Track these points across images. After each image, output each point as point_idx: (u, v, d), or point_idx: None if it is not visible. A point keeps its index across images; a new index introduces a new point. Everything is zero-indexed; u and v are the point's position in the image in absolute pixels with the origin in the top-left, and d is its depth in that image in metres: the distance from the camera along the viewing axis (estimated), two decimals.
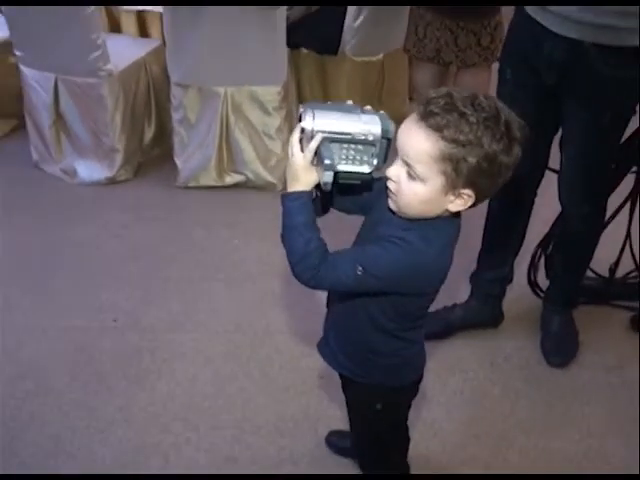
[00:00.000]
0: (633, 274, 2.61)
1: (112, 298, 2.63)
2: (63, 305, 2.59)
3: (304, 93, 3.52)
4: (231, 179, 3.27)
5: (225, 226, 3.03)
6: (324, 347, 1.52)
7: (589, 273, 2.52)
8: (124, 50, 3.31)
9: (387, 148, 1.21)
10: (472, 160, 1.13)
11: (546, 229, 2.52)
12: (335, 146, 1.20)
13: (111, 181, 3.29)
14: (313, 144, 1.19)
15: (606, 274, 2.59)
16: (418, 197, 1.18)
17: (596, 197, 2.17)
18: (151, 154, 3.48)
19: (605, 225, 2.33)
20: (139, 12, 3.52)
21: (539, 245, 2.55)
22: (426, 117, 1.13)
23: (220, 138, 3.17)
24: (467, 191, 1.18)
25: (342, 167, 1.21)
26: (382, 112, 1.24)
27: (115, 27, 3.59)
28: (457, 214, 1.25)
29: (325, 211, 1.32)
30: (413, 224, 1.23)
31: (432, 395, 2.25)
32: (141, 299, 2.62)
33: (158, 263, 2.82)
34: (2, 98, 3.56)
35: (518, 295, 2.62)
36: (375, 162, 1.22)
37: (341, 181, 1.21)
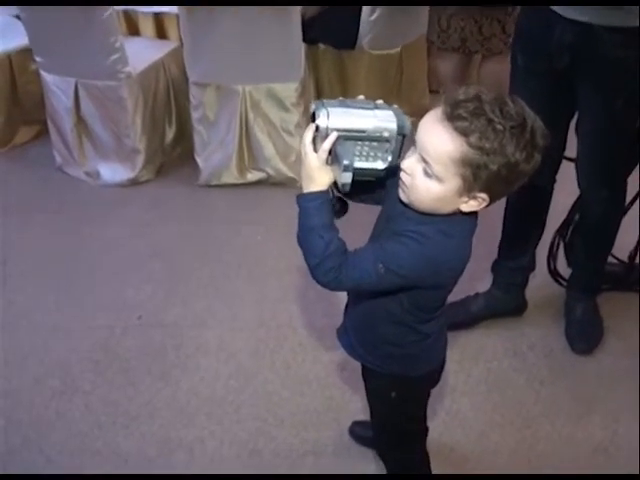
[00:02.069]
0: None
1: (136, 296, 2.65)
2: (88, 304, 2.62)
3: (322, 89, 3.52)
4: (252, 176, 3.28)
5: (247, 223, 3.04)
6: (343, 335, 1.52)
7: (611, 259, 2.50)
8: (142, 52, 3.34)
9: (402, 144, 1.19)
10: (493, 167, 1.11)
11: (563, 215, 2.50)
12: (349, 144, 1.18)
13: (133, 182, 3.32)
14: (327, 143, 1.17)
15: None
16: (431, 195, 1.17)
17: (614, 180, 2.15)
18: (172, 154, 3.49)
19: (626, 210, 2.32)
20: (156, 15, 3.56)
21: (557, 232, 2.53)
22: (453, 119, 1.10)
23: (240, 136, 3.18)
24: (482, 195, 1.17)
25: (356, 164, 1.18)
26: (395, 106, 1.22)
27: (133, 30, 3.62)
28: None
29: (344, 211, 1.29)
30: (428, 218, 1.21)
31: (456, 385, 2.24)
32: (165, 297, 2.64)
33: (181, 261, 2.84)
34: (26, 105, 3.60)
35: (541, 283, 2.60)
36: (390, 158, 1.20)
37: (355, 178, 1.18)
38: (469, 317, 2.45)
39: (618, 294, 2.56)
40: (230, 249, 2.89)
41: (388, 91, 3.57)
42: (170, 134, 3.46)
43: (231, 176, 3.27)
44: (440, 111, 1.12)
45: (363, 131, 1.17)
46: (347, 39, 3.41)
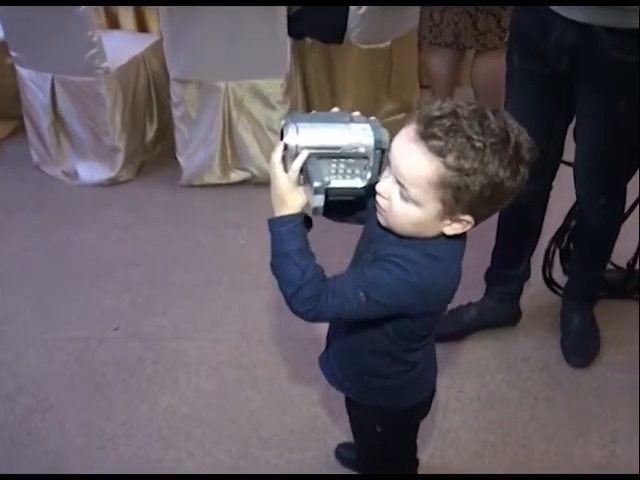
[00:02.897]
0: None
1: (113, 305, 2.55)
2: (63, 314, 2.52)
3: (309, 85, 3.44)
4: (236, 176, 3.20)
5: (230, 226, 2.96)
6: (325, 363, 1.45)
7: (609, 265, 2.41)
8: (122, 46, 3.23)
9: (381, 159, 1.12)
10: (475, 188, 1.04)
11: (559, 221, 2.42)
12: (323, 162, 1.11)
13: (113, 182, 3.22)
14: (297, 162, 1.10)
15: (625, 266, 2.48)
16: (410, 219, 1.11)
17: (613, 188, 2.08)
18: (153, 153, 3.40)
19: (625, 217, 2.24)
20: (137, 7, 3.44)
21: (553, 239, 2.46)
22: (427, 138, 1.03)
23: (223, 134, 3.11)
24: (466, 217, 1.10)
25: (332, 183, 1.12)
26: (373, 118, 1.14)
27: (113, 23, 3.50)
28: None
29: (309, 226, 1.21)
30: (412, 241, 1.14)
31: (447, 401, 2.15)
32: (143, 306, 2.55)
33: (161, 267, 2.75)
34: (1, 100, 3.48)
35: (536, 291, 2.51)
36: (369, 176, 1.13)
37: (331, 198, 1.12)
38: (461, 328, 2.37)
39: (615, 302, 2.48)
40: (212, 254, 2.81)
41: (377, 87, 3.51)
42: (151, 132, 3.36)
43: (214, 176, 3.19)
44: (413, 130, 1.05)
45: (337, 148, 1.10)
46: (335, 33, 3.32)
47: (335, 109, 1.18)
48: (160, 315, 2.50)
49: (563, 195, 2.21)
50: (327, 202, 1.10)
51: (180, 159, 3.18)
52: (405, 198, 1.08)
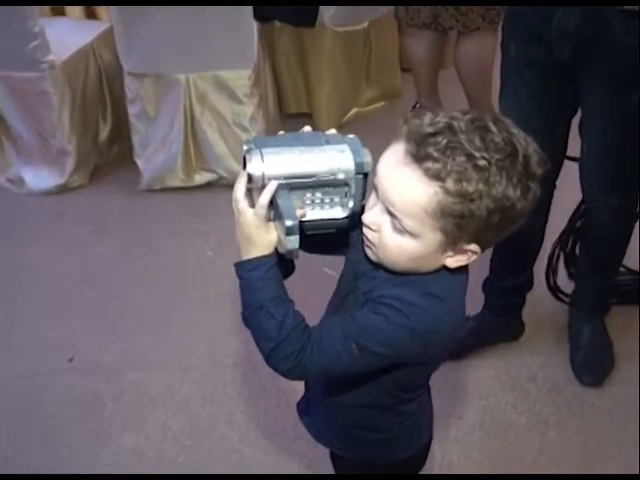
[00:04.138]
0: None
1: (67, 333, 2.43)
2: (8, 345, 2.41)
3: (280, 74, 3.42)
4: (201, 178, 3.15)
5: (197, 234, 2.88)
6: (304, 412, 1.38)
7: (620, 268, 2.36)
8: (68, 36, 3.14)
9: (364, 184, 1.04)
10: (481, 214, 0.97)
11: (563, 223, 2.37)
12: (296, 193, 1.03)
13: (63, 189, 3.14)
14: (265, 196, 1.01)
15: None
16: (406, 254, 1.03)
17: (627, 187, 2.02)
18: (108, 155, 3.34)
19: (637, 217, 2.19)
20: None
21: (557, 243, 2.40)
22: (421, 160, 0.96)
23: (185, 132, 3.05)
24: (471, 247, 1.03)
25: (309, 214, 1.04)
26: (352, 137, 1.06)
27: (57, 9, 3.43)
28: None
29: (289, 273, 1.13)
30: (409, 278, 1.07)
31: (447, 431, 2.08)
32: (101, 332, 2.44)
33: (120, 285, 2.65)
34: None
35: (539, 299, 2.45)
36: (351, 204, 1.05)
37: (309, 232, 1.05)
38: (458, 346, 2.27)
39: (628, 309, 2.40)
40: (177, 268, 2.72)
41: (356, 73, 3.49)
42: (104, 132, 3.30)
43: (177, 179, 3.14)
44: (403, 150, 0.98)
45: (311, 176, 1.02)
46: (306, 15, 3.26)
47: (307, 128, 1.10)
48: (120, 342, 2.40)
49: (567, 194, 2.14)
50: (303, 237, 1.03)
51: (138, 161, 3.12)
52: (399, 230, 1.01)
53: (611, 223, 2.12)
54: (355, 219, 1.07)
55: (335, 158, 1.02)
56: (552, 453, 2.04)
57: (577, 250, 2.39)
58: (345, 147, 1.03)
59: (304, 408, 1.37)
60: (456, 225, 0.99)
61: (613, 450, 2.04)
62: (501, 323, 2.34)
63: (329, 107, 3.45)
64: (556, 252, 2.42)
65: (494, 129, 0.97)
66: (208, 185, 3.15)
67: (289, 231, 1.00)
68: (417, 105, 3.37)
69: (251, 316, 1.07)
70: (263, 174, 1.01)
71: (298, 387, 1.41)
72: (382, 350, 1.06)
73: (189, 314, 2.51)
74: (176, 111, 3.01)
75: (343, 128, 3.53)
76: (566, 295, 2.42)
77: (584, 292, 2.33)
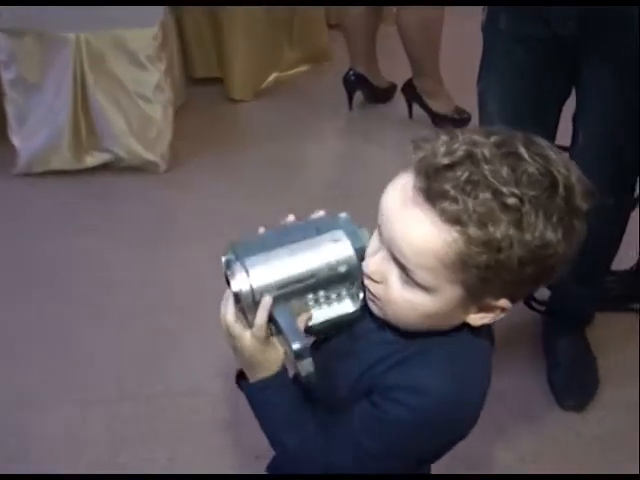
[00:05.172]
0: None
1: None
2: None
3: (188, 35, 3.42)
4: (93, 160, 3.08)
5: (88, 229, 2.79)
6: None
7: None
8: None
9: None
10: (511, 264, 0.91)
11: None
12: (296, 301, 1.03)
13: None
14: (261, 315, 1.01)
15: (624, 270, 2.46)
16: (419, 311, 0.98)
17: (625, 186, 2.03)
18: None
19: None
20: None
21: None
22: (435, 199, 0.89)
23: (75, 104, 2.97)
24: (500, 301, 0.97)
25: (315, 316, 1.04)
26: (343, 215, 1.06)
27: None
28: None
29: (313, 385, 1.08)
30: (422, 345, 1.03)
31: None
32: None
33: None
34: None
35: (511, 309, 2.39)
36: (361, 295, 1.04)
37: (320, 335, 1.09)
38: None
39: (611, 317, 2.40)
40: (65, 273, 2.60)
41: (276, 34, 3.52)
42: None
43: (63, 160, 3.05)
44: (411, 186, 0.92)
45: (308, 277, 1.02)
46: None
47: (290, 217, 1.09)
48: None
49: None
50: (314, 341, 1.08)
51: (14, 139, 3.03)
52: (409, 283, 0.96)
53: (603, 225, 2.05)
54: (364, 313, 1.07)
55: (332, 250, 1.02)
56: None
57: None
58: (339, 233, 1.03)
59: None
60: (480, 279, 0.92)
61: None
62: None
63: (244, 71, 3.45)
64: None
65: (526, 155, 0.91)
66: (102, 168, 3.07)
67: (298, 355, 0.99)
68: (350, 72, 3.35)
69: (268, 438, 1.11)
70: (252, 290, 1.00)
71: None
72: (403, 459, 1.06)
73: (84, 335, 2.39)
74: (63, 77, 2.93)
75: (262, 94, 3.48)
76: (541, 303, 2.37)
77: (563, 300, 2.28)
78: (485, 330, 1.05)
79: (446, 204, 0.88)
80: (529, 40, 1.84)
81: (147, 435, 2.10)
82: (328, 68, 3.58)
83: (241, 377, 1.12)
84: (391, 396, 1.01)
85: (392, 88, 3.43)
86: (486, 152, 0.90)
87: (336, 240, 1.02)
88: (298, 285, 1.02)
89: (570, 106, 1.99)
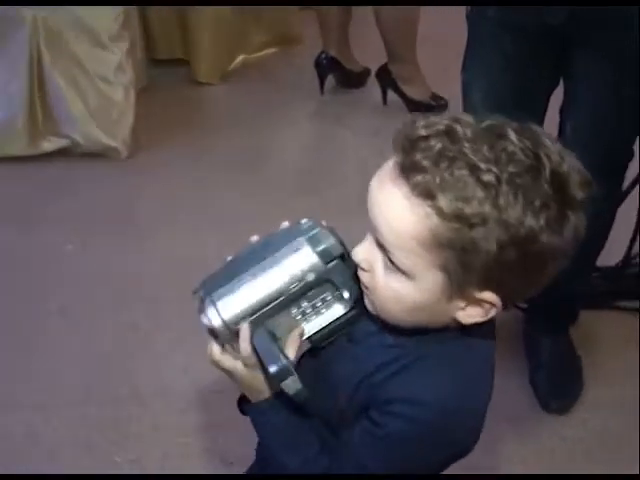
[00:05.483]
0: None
1: None
2: None
3: (151, 14, 3.43)
4: (50, 145, 3.06)
5: (46, 219, 2.76)
6: None
7: None
8: None
9: (347, 265, 1.04)
10: (488, 247, 0.90)
11: None
12: (279, 316, 1.05)
13: None
14: (243, 345, 1.04)
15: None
16: (403, 302, 0.98)
17: (609, 180, 2.00)
18: None
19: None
20: None
21: None
22: (408, 171, 0.90)
23: (31, 86, 2.95)
24: (486, 295, 0.95)
25: (307, 329, 1.07)
26: (304, 221, 1.07)
27: None
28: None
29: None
30: (420, 350, 1.03)
31: None
32: None
33: None
34: None
35: None
36: (346, 294, 1.05)
37: (322, 345, 1.09)
38: None
39: (595, 314, 2.42)
40: (20, 266, 2.57)
41: (245, 14, 3.52)
42: None
43: (18, 146, 3.03)
44: (392, 162, 0.94)
45: (279, 295, 1.03)
46: None
47: (254, 238, 1.10)
48: None
49: None
50: (318, 349, 1.10)
51: None
52: (391, 268, 0.96)
53: (589, 219, 2.06)
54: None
55: (293, 262, 1.03)
56: None
57: None
58: (300, 241, 1.04)
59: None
60: (459, 262, 0.92)
61: None
62: None
63: (210, 53, 3.42)
64: None
65: (513, 137, 0.91)
66: (60, 154, 3.04)
67: (277, 378, 1.00)
68: (322, 55, 3.33)
69: (271, 459, 1.15)
70: (224, 323, 1.03)
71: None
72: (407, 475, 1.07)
73: (45, 333, 2.35)
74: (18, 59, 2.91)
75: (229, 77, 3.46)
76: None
77: (546, 297, 2.27)
78: (487, 328, 1.04)
79: (419, 177, 0.89)
80: (518, 29, 1.84)
81: (113, 439, 2.08)
82: (299, 50, 3.57)
83: (243, 400, 1.15)
84: (389, 410, 1.01)
85: (366, 73, 3.42)
86: (468, 131, 0.90)
87: (296, 250, 1.03)
88: (272, 305, 1.03)
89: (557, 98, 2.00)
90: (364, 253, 1.00)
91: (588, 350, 2.31)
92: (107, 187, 2.90)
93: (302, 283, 1.03)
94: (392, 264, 0.96)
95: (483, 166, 0.88)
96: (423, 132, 0.91)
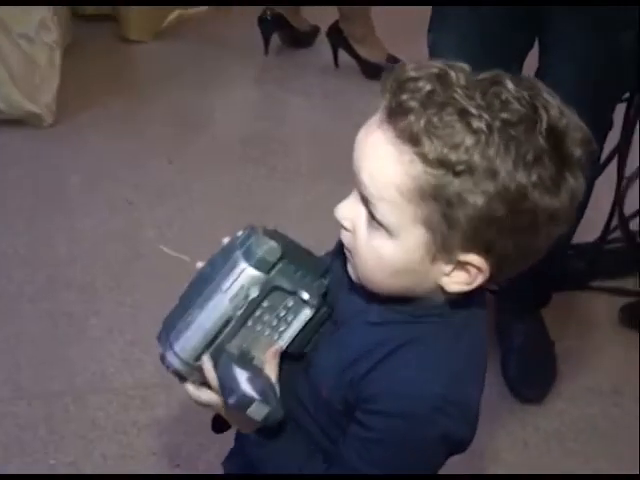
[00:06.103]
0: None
1: None
2: None
3: None
4: None
5: None
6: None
7: None
8: None
9: (296, 264, 1.06)
10: (475, 200, 0.90)
11: None
12: (245, 336, 1.06)
13: None
14: (212, 380, 1.07)
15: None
16: (384, 263, 0.98)
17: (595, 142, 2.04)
18: None
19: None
20: None
21: None
22: (394, 114, 0.91)
23: None
24: (472, 257, 0.95)
25: (281, 340, 1.09)
26: (240, 233, 1.06)
27: None
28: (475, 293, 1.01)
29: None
30: (409, 331, 1.03)
31: None
32: None
33: None
34: None
35: None
36: (305, 295, 1.06)
37: (306, 350, 1.11)
38: None
39: (569, 295, 2.47)
40: None
41: None
42: None
43: None
44: (381, 108, 0.95)
45: (228, 320, 1.05)
46: None
47: (198, 264, 1.11)
48: None
49: None
50: (303, 353, 1.11)
51: None
52: (373, 225, 0.97)
53: None
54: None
55: (231, 282, 1.03)
56: None
57: None
58: (235, 257, 1.03)
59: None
60: (443, 216, 0.92)
61: None
62: None
63: (141, 9, 3.41)
64: None
65: (510, 86, 0.91)
66: None
67: (238, 408, 1.02)
68: (267, 12, 3.29)
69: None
70: (185, 363, 1.06)
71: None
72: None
73: None
74: None
75: (162, 35, 3.42)
76: None
77: (516, 278, 2.29)
78: (477, 300, 1.04)
79: (404, 120, 0.89)
80: None
81: (46, 439, 2.05)
82: (237, 8, 3.54)
83: (217, 421, 1.18)
84: (376, 409, 1.02)
85: (315, 31, 3.39)
86: (462, 77, 0.90)
87: (232, 268, 1.03)
88: (225, 331, 1.05)
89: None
90: (347, 210, 1.00)
91: (562, 334, 2.34)
92: (29, 158, 2.86)
93: (248, 300, 1.04)
94: (374, 220, 0.96)
95: (474, 111, 0.88)
96: (413, 74, 0.91)
